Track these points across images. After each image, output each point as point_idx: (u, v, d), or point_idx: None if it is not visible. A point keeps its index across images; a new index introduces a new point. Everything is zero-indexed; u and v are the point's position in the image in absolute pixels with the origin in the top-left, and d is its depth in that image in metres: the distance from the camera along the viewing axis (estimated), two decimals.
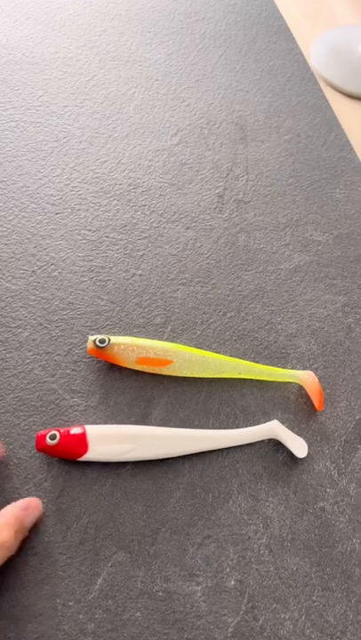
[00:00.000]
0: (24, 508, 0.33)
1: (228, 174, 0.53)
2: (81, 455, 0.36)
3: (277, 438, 0.38)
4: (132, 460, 0.37)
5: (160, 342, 0.41)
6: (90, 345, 0.40)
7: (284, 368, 0.42)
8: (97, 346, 0.39)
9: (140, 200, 0.50)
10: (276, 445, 0.39)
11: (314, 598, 0.34)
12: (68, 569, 0.34)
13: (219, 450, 0.38)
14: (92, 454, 0.36)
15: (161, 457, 0.37)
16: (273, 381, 0.41)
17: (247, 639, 0.33)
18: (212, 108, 0.57)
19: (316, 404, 0.40)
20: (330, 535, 0.36)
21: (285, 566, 0.35)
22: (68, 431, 0.36)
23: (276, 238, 0.49)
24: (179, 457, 0.38)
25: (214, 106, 0.58)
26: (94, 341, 0.40)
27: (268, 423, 0.39)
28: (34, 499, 0.34)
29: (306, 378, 0.41)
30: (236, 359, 0.42)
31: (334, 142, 0.56)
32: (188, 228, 0.49)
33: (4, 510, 0.32)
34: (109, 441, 0.37)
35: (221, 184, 0.52)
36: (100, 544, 0.35)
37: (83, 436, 0.36)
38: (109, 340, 0.40)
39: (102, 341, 0.39)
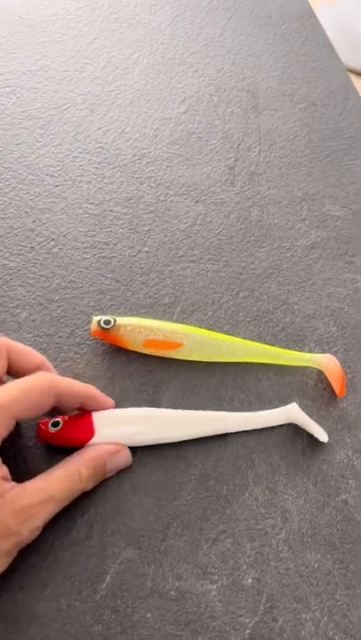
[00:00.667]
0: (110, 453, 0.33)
1: (239, 144, 0.50)
2: (87, 440, 0.33)
3: (297, 422, 0.36)
4: (142, 443, 0.35)
5: (169, 324, 0.39)
6: (94, 326, 0.37)
7: (301, 351, 0.40)
8: (102, 327, 0.37)
9: (145, 172, 0.47)
10: (294, 434, 0.37)
11: (337, 597, 0.32)
12: (73, 567, 0.32)
13: (233, 438, 0.36)
14: (99, 438, 0.33)
15: (172, 440, 0.35)
16: (290, 366, 0.39)
17: None
18: (222, 74, 0.54)
19: (336, 389, 0.38)
20: (353, 530, 0.34)
21: (306, 563, 0.33)
22: (71, 416, 0.34)
23: (292, 213, 0.46)
24: (191, 446, 0.35)
25: (224, 72, 0.54)
26: (99, 322, 0.37)
27: (287, 406, 0.36)
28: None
29: (326, 362, 0.38)
30: (251, 342, 0.39)
31: (352, 111, 0.53)
32: (197, 202, 0.46)
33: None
34: (117, 423, 0.34)
35: (232, 155, 0.49)
36: (107, 540, 0.32)
37: (88, 419, 0.34)
38: (115, 320, 0.37)
39: (107, 322, 0.37)
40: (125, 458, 0.34)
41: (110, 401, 0.35)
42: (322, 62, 0.56)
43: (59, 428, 0.33)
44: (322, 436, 0.36)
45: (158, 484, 0.34)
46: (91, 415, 0.34)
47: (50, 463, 0.32)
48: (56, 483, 0.30)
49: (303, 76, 0.55)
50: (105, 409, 0.34)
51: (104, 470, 0.33)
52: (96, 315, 0.39)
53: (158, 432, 0.35)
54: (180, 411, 0.36)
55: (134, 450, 0.35)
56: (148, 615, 0.31)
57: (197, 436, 0.36)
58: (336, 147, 0.51)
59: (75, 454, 0.32)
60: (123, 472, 0.34)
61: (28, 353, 0.33)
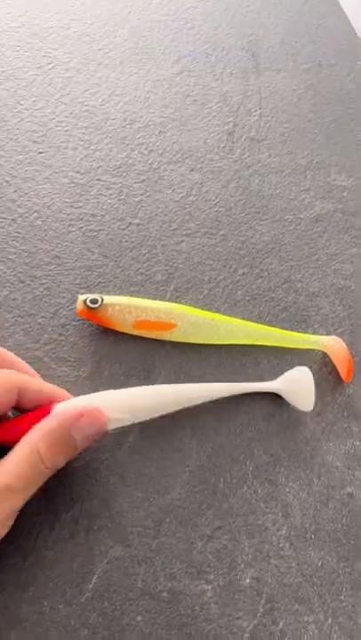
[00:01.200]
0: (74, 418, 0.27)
1: (238, 108, 0.46)
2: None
3: (279, 392, 0.34)
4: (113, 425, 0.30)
5: (162, 303, 0.36)
6: (80, 305, 0.34)
7: (305, 333, 0.37)
8: (88, 307, 0.34)
9: (136, 137, 0.43)
10: (296, 423, 0.34)
11: (341, 598, 0.30)
12: (56, 567, 0.29)
13: (230, 426, 0.33)
14: None
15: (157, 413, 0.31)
16: (293, 349, 0.36)
17: None
18: (220, 32, 0.50)
19: (343, 374, 0.35)
20: (359, 525, 0.32)
21: (308, 561, 0.31)
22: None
23: (295, 183, 0.43)
24: (185, 435, 0.33)
25: (222, 29, 0.50)
26: (85, 301, 0.34)
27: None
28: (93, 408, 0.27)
29: (331, 344, 0.36)
30: (250, 323, 0.36)
31: None
32: (192, 170, 0.42)
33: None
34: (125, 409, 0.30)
35: (231, 119, 0.45)
36: (93, 538, 0.30)
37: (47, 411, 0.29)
38: (102, 299, 0.34)
39: (94, 301, 0.34)
40: (96, 421, 0.27)
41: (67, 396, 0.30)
42: (328, 19, 0.52)
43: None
44: (307, 406, 0.34)
45: (149, 476, 0.32)
46: (51, 407, 0.29)
47: None
48: (11, 469, 0.25)
49: (308, 35, 0.51)
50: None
51: (72, 442, 0.27)
52: (82, 293, 0.36)
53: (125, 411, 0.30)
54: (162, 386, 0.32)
55: (124, 440, 0.32)
56: (139, 618, 0.29)
57: (182, 407, 0.32)
58: (343, 111, 0.47)
59: (30, 431, 0.27)
60: (110, 464, 0.32)
61: (38, 391, 0.29)
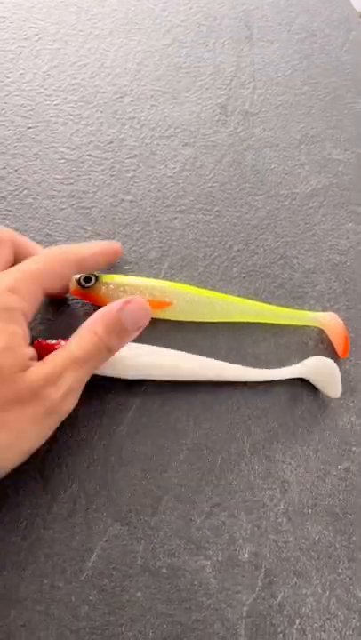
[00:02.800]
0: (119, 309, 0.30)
1: (231, 80, 0.45)
2: None
3: (311, 377, 0.34)
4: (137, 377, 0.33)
5: (156, 281, 0.35)
6: (73, 284, 0.34)
7: (301, 309, 0.37)
8: (81, 285, 0.33)
9: (127, 111, 0.43)
10: (293, 398, 0.34)
11: (339, 571, 0.30)
12: (55, 545, 0.29)
13: (228, 404, 0.34)
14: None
15: (172, 377, 0.33)
16: (289, 325, 0.36)
17: (264, 618, 0.29)
18: (212, 1, 0.49)
19: (339, 350, 0.35)
20: (356, 500, 0.32)
21: (306, 536, 0.31)
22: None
23: (290, 157, 0.43)
24: (182, 413, 0.33)
25: None
26: (78, 280, 0.34)
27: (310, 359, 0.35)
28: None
29: (328, 320, 0.35)
30: (246, 300, 0.36)
31: (356, 42, 0.48)
32: (185, 145, 0.42)
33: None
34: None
35: (224, 92, 0.45)
36: (92, 516, 0.30)
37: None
38: (96, 278, 0.34)
39: (88, 280, 0.33)
40: (140, 308, 0.30)
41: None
42: None
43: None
44: (335, 392, 0.34)
45: (147, 454, 0.32)
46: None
47: None
48: (73, 343, 0.28)
49: (302, 4, 0.50)
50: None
51: (123, 326, 0.29)
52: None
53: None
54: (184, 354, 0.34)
55: (121, 419, 0.32)
56: (139, 594, 0.29)
57: (216, 379, 0.34)
58: (338, 83, 0.46)
59: (90, 317, 0.30)
60: (108, 443, 0.32)
61: (34, 247, 0.33)
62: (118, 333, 0.29)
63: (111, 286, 0.34)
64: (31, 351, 0.28)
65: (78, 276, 0.34)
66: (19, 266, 0.30)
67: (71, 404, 0.28)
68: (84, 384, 0.29)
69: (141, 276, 0.36)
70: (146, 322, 0.30)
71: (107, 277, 0.34)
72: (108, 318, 0.29)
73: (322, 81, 0.46)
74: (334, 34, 0.49)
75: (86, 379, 0.29)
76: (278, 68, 0.46)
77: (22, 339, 0.28)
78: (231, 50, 0.46)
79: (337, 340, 0.35)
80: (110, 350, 0.29)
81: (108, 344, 0.29)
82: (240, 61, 0.46)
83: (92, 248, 0.33)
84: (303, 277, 0.38)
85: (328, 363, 0.34)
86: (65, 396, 0.27)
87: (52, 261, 0.30)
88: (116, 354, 0.30)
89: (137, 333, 0.30)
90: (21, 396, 0.26)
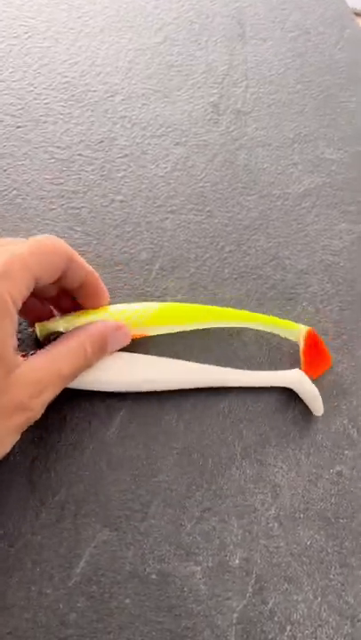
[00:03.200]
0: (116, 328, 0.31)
1: (223, 79, 0.45)
2: None
3: (297, 390, 0.33)
4: (120, 389, 0.32)
5: (131, 310, 0.32)
6: (41, 337, 0.31)
7: (284, 320, 0.35)
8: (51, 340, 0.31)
9: (118, 110, 0.42)
10: (285, 401, 0.34)
11: (331, 577, 0.30)
12: (43, 552, 0.29)
13: (218, 407, 0.33)
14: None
15: (163, 387, 0.33)
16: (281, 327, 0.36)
17: (255, 625, 0.29)
18: None
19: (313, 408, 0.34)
20: (348, 504, 0.32)
21: (298, 541, 0.31)
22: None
23: (283, 156, 0.42)
24: (172, 417, 0.32)
25: None
26: (47, 336, 0.31)
27: (292, 370, 0.34)
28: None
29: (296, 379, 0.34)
30: (226, 313, 0.34)
31: (350, 40, 0.48)
32: (177, 144, 0.41)
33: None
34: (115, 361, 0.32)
35: (216, 91, 0.44)
36: (80, 522, 0.30)
37: None
38: (61, 329, 0.31)
39: (54, 334, 0.31)
40: (126, 337, 0.32)
41: (106, 296, 0.32)
42: None
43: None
44: (318, 409, 0.33)
45: (137, 459, 0.31)
46: None
47: None
48: (62, 358, 0.28)
49: (295, 1, 0.49)
50: (98, 304, 0.32)
51: (106, 347, 0.31)
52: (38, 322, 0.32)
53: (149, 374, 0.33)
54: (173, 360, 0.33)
55: (111, 423, 0.32)
56: (127, 601, 0.29)
57: (193, 386, 0.33)
58: (331, 81, 0.46)
59: (76, 330, 0.30)
60: (97, 447, 0.31)
61: (82, 266, 0.31)
62: (100, 355, 0.30)
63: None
64: (15, 342, 0.27)
65: (41, 327, 0.31)
66: (7, 247, 0.27)
67: (41, 412, 0.28)
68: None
69: (132, 276, 0.36)
70: (125, 344, 0.32)
71: (71, 321, 0.31)
72: (99, 339, 0.30)
73: (315, 79, 0.46)
74: (328, 31, 0.48)
75: (60, 390, 0.29)
76: (271, 66, 0.46)
77: (10, 336, 0.26)
78: (223, 48, 0.46)
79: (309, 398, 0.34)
80: (87, 368, 0.30)
81: (90, 363, 0.30)
82: (232, 60, 0.46)
83: (83, 261, 0.31)
84: (296, 278, 0.38)
85: (307, 387, 0.33)
86: (43, 407, 0.27)
87: (44, 247, 0.28)
88: (115, 368, 0.31)
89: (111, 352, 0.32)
90: (6, 408, 0.26)
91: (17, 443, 0.30)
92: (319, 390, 0.34)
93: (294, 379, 0.33)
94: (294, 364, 0.35)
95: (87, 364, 0.30)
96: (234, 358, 0.35)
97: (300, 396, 0.33)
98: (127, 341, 0.32)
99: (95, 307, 0.32)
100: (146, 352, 0.33)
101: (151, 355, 0.33)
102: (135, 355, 0.32)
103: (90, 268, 0.31)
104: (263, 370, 0.34)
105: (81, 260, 0.30)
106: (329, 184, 0.42)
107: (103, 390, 0.32)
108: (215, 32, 0.47)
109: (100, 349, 0.30)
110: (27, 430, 0.30)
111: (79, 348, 0.29)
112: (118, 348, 0.31)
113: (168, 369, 0.33)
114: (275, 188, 0.41)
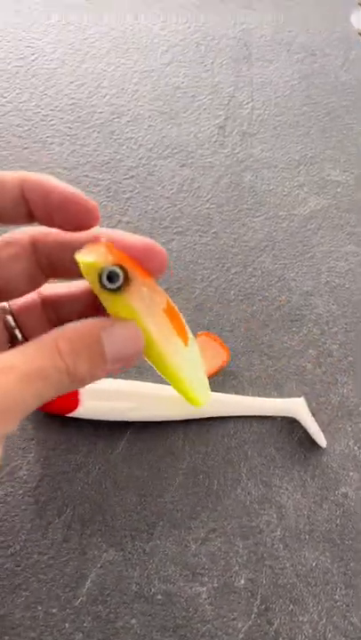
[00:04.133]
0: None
1: (229, 101, 0.48)
2: (71, 410, 0.34)
3: (298, 419, 0.36)
4: (131, 419, 0.35)
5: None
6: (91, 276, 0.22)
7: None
8: (103, 286, 0.21)
9: (124, 132, 0.46)
10: (290, 423, 0.36)
11: (336, 597, 0.32)
12: (49, 571, 0.31)
13: (224, 428, 0.36)
14: (83, 410, 0.34)
15: (166, 418, 0.35)
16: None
17: None
18: (210, 20, 0.52)
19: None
20: (354, 525, 0.34)
21: (303, 562, 0.33)
22: None
23: (288, 178, 0.45)
24: (178, 438, 0.35)
25: (213, 17, 0.52)
26: (100, 277, 0.21)
27: (291, 399, 0.36)
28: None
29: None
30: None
31: (355, 62, 0.51)
32: (183, 166, 0.45)
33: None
34: (105, 397, 0.34)
35: (222, 113, 0.48)
36: (87, 541, 0.32)
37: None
38: (125, 274, 0.21)
39: (112, 278, 0.21)
40: (135, 337, 0.22)
41: (93, 209, 0.23)
42: (323, 7, 0.54)
43: None
44: (321, 440, 0.36)
45: (143, 479, 0.34)
46: None
47: (24, 454, 0.32)
48: (23, 353, 0.21)
49: (301, 23, 0.53)
50: (86, 223, 0.23)
51: (100, 350, 0.22)
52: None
53: (149, 411, 0.35)
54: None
55: (116, 444, 0.34)
56: (133, 621, 0.31)
57: (192, 417, 0.35)
58: (337, 103, 0.49)
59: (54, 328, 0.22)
60: (103, 468, 0.34)
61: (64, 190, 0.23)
62: (92, 359, 0.22)
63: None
64: None
65: (101, 267, 0.21)
66: None
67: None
68: (21, 409, 0.21)
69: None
70: (134, 357, 0.23)
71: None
72: (82, 333, 0.22)
73: (321, 101, 0.49)
74: (334, 53, 0.52)
75: (21, 391, 0.20)
76: (277, 87, 0.49)
77: None
78: (230, 70, 0.50)
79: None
80: (74, 377, 0.22)
81: (72, 366, 0.21)
82: (238, 81, 0.49)
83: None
84: (301, 300, 0.41)
85: (307, 422, 0.36)
86: None
87: None
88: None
89: (115, 368, 0.23)
90: None
91: (24, 463, 0.33)
92: (324, 412, 0.37)
93: (293, 407, 0.36)
94: (298, 385, 0.38)
95: (66, 366, 0.21)
96: (239, 378, 0.37)
97: (303, 424, 0.36)
98: (138, 346, 0.23)
99: (84, 227, 0.23)
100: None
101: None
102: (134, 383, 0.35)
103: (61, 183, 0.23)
104: (267, 390, 0.37)
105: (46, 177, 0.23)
106: (335, 206, 0.45)
107: (104, 419, 0.35)
108: (221, 54, 0.50)
109: (87, 350, 0.22)
110: (33, 451, 0.33)
111: (49, 344, 0.21)
112: (126, 355, 0.22)
113: (170, 403, 0.35)
114: (280, 210, 0.44)
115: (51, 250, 0.24)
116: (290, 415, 0.36)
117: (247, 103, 0.48)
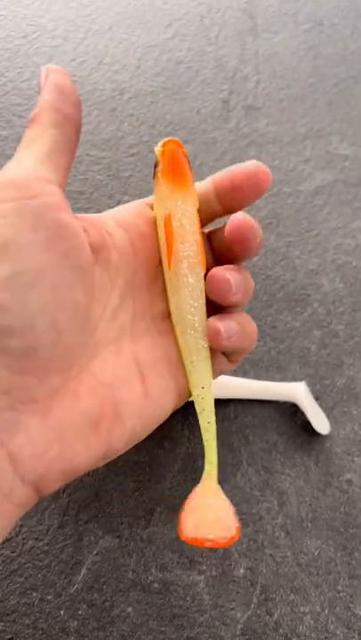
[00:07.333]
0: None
1: (234, 74, 0.43)
2: None
3: (298, 404, 0.32)
4: None
5: None
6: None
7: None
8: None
9: (126, 108, 0.41)
10: (293, 407, 0.32)
11: (339, 588, 0.29)
12: (45, 558, 0.28)
13: (224, 411, 0.32)
14: None
15: None
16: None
17: (260, 637, 0.28)
18: None
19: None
20: (358, 513, 0.30)
21: (305, 551, 0.29)
22: None
23: (294, 153, 0.41)
24: (176, 422, 0.32)
25: None
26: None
27: (291, 384, 0.32)
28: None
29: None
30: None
31: None
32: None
33: None
34: None
35: (227, 87, 0.43)
36: (83, 528, 0.29)
37: None
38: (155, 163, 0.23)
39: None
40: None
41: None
42: None
43: None
44: (322, 427, 0.32)
45: (140, 465, 0.31)
46: None
47: None
48: None
49: None
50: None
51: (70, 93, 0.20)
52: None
53: None
54: None
55: None
56: (129, 609, 0.28)
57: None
58: (345, 74, 0.44)
59: None
60: None
61: None
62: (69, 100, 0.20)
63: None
64: None
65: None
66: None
67: None
68: None
69: None
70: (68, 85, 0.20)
71: None
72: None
73: (328, 72, 0.44)
74: (342, 23, 0.46)
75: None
76: (283, 59, 0.44)
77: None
78: (234, 42, 0.45)
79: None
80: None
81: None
82: (243, 54, 0.44)
83: None
84: (306, 279, 0.36)
85: (307, 407, 0.32)
86: None
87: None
88: None
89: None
90: None
91: None
92: (329, 395, 0.33)
93: (293, 392, 0.32)
94: (303, 367, 0.34)
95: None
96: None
97: (303, 410, 0.32)
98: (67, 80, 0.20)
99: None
100: None
101: None
102: None
103: None
104: (270, 373, 0.33)
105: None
106: (342, 180, 0.40)
107: None
108: (226, 26, 0.45)
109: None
110: None
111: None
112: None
113: None
114: (285, 186, 0.39)
115: None
116: (290, 400, 0.32)
117: (252, 76, 0.43)
